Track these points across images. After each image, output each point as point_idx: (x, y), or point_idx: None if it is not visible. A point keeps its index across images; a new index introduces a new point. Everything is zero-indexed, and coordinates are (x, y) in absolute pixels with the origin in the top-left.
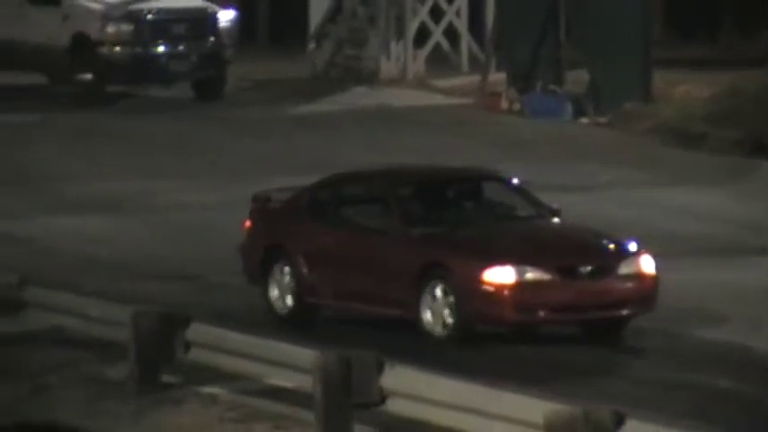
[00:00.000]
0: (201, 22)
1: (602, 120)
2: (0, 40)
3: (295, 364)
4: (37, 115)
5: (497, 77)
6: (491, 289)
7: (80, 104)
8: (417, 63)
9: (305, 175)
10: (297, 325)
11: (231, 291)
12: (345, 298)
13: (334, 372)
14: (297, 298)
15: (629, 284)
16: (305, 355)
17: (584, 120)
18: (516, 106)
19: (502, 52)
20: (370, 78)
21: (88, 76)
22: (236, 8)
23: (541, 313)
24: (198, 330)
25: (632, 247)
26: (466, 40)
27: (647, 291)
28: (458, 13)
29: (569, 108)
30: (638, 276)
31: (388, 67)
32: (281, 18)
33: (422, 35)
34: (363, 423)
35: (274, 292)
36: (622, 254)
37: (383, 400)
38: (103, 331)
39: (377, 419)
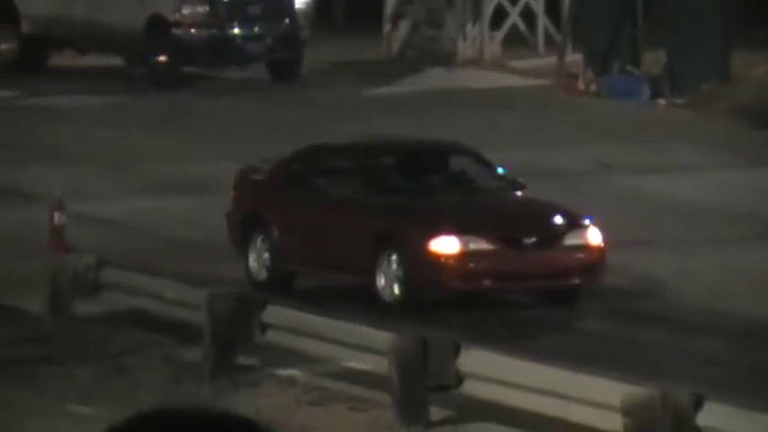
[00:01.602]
0: (277, 2)
1: (680, 101)
2: (77, 21)
3: (372, 347)
4: (115, 97)
5: (574, 59)
6: (436, 258)
7: (157, 86)
8: (494, 44)
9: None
10: (273, 292)
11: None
12: (313, 265)
13: (411, 354)
14: (272, 266)
15: (575, 255)
16: (381, 337)
17: (662, 101)
18: (593, 87)
19: (578, 33)
20: (446, 60)
21: (164, 58)
22: None
23: (486, 282)
24: (274, 312)
25: (580, 220)
26: (542, 21)
27: (592, 261)
28: None
29: (647, 89)
30: (584, 248)
31: (464, 49)
32: None
33: (498, 16)
34: (439, 405)
35: (253, 261)
36: (569, 226)
37: (460, 382)
38: (180, 313)
39: (453, 402)
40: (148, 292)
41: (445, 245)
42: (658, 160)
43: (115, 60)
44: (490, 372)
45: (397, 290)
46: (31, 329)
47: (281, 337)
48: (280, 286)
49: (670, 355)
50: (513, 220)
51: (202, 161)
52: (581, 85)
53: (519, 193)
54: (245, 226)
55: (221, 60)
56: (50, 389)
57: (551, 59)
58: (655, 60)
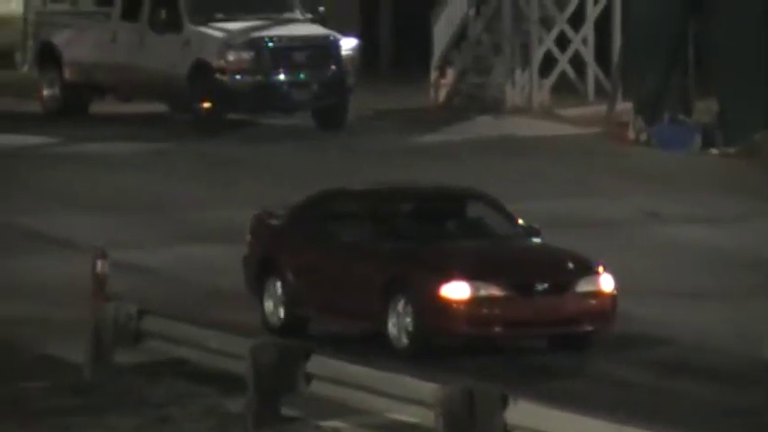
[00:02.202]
0: (323, 49)
1: (731, 151)
2: (122, 66)
3: (417, 398)
4: (158, 144)
5: (624, 107)
6: (446, 303)
7: (200, 133)
8: (543, 92)
9: None
10: (288, 336)
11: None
12: (326, 311)
13: (457, 406)
14: (287, 310)
15: (587, 302)
16: (427, 388)
17: (713, 151)
18: (643, 136)
19: (629, 81)
20: (494, 107)
21: (207, 104)
22: (358, 35)
23: (496, 328)
24: (318, 363)
25: (593, 266)
26: (592, 69)
27: (604, 308)
28: (584, 42)
29: (698, 139)
30: (596, 294)
31: (512, 96)
32: (403, 46)
33: (547, 63)
34: None
35: (269, 305)
36: (581, 272)
37: None
38: (223, 363)
39: None
40: (190, 341)
41: (456, 290)
42: (708, 210)
43: (158, 107)
44: (538, 425)
45: (405, 337)
46: (72, 379)
47: (326, 388)
48: (294, 331)
49: (712, 407)
50: (524, 267)
51: (243, 209)
52: (631, 135)
53: (536, 240)
54: (260, 271)
55: (266, 107)
56: None
57: (601, 108)
58: (706, 109)
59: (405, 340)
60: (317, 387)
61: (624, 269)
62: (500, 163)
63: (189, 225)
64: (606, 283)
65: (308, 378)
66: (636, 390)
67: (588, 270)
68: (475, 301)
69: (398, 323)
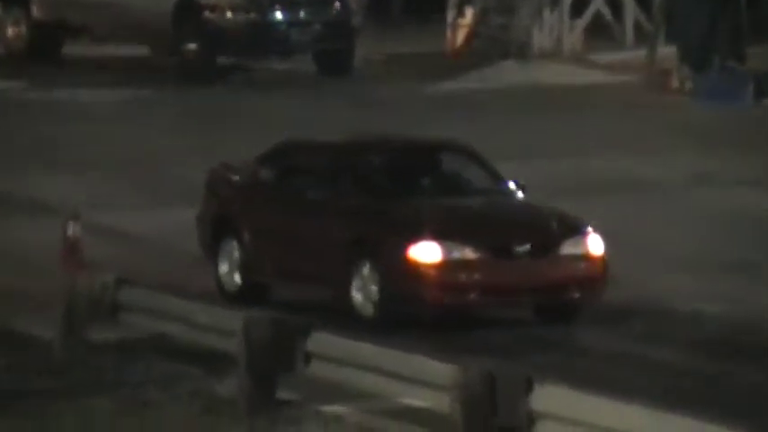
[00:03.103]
0: None
1: None
2: (98, 3)
3: (431, 381)
4: (139, 92)
5: (667, 52)
6: (415, 267)
7: (186, 79)
8: (574, 34)
9: None
10: (246, 304)
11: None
12: (286, 276)
13: (476, 390)
14: (244, 275)
15: (573, 265)
16: (443, 370)
17: None
18: (688, 86)
19: (673, 23)
20: (519, 52)
21: (194, 47)
22: None
23: (471, 295)
24: (320, 340)
25: (580, 226)
26: (631, 9)
27: (592, 273)
28: None
29: (750, 89)
30: (583, 257)
31: (540, 39)
32: None
33: (580, 2)
34: None
35: (224, 269)
36: (566, 233)
37: (531, 423)
38: (211, 340)
39: None
40: (174, 315)
41: (425, 252)
42: (758, 171)
43: (139, 50)
44: (568, 411)
45: (371, 306)
46: (42, 358)
47: (327, 369)
48: (252, 298)
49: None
50: (503, 226)
51: None
52: (674, 83)
53: (519, 196)
54: (215, 230)
55: (261, 50)
56: (63, 425)
57: (640, 53)
58: (761, 55)
59: (370, 309)
60: (317, 367)
61: (669, 238)
62: (525, 115)
63: (173, 184)
64: (594, 244)
65: (308, 357)
66: (681, 375)
67: (574, 230)
68: (447, 265)
69: (363, 290)
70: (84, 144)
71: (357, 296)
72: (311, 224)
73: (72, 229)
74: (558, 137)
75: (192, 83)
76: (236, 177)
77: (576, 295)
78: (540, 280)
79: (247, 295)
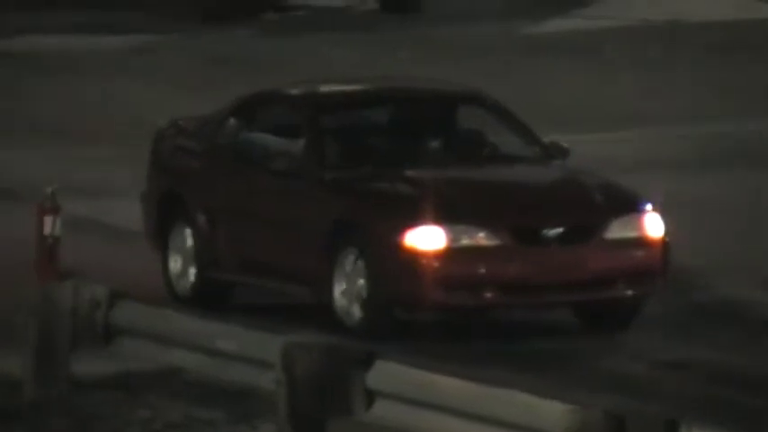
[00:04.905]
0: None
1: None
2: None
3: (538, 426)
4: (141, 37)
5: None
6: (412, 258)
7: (204, 18)
8: None
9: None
10: (203, 308)
11: None
12: (251, 271)
13: None
14: (200, 271)
15: (622, 253)
16: (554, 410)
17: None
18: None
19: None
20: None
21: None
22: None
23: (486, 294)
24: (385, 372)
25: (635, 202)
26: None
27: (650, 262)
28: None
29: None
30: (638, 242)
31: None
32: None
33: None
34: None
35: (175, 263)
36: (614, 211)
37: None
38: (239, 374)
39: None
40: (188, 341)
41: (426, 238)
42: None
43: None
44: None
45: (357, 307)
46: (8, 399)
47: (397, 411)
48: (209, 301)
49: None
50: (530, 203)
51: None
52: None
53: (557, 164)
54: (162, 213)
55: None
56: None
57: None
58: None
59: (357, 312)
60: (382, 409)
61: None
62: (662, 64)
63: None
64: (653, 225)
65: (371, 396)
66: None
67: (626, 207)
68: (453, 254)
69: (348, 288)
70: (68, 106)
71: (340, 297)
72: (284, 204)
73: (50, 227)
74: (705, 94)
75: (210, 24)
76: (188, 142)
77: (628, 292)
78: (576, 273)
79: (204, 297)
